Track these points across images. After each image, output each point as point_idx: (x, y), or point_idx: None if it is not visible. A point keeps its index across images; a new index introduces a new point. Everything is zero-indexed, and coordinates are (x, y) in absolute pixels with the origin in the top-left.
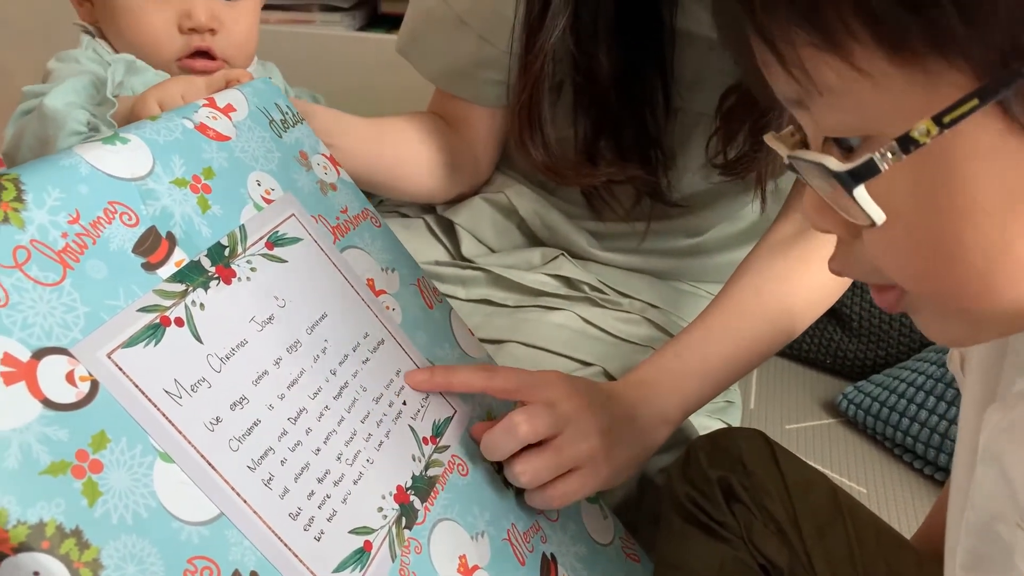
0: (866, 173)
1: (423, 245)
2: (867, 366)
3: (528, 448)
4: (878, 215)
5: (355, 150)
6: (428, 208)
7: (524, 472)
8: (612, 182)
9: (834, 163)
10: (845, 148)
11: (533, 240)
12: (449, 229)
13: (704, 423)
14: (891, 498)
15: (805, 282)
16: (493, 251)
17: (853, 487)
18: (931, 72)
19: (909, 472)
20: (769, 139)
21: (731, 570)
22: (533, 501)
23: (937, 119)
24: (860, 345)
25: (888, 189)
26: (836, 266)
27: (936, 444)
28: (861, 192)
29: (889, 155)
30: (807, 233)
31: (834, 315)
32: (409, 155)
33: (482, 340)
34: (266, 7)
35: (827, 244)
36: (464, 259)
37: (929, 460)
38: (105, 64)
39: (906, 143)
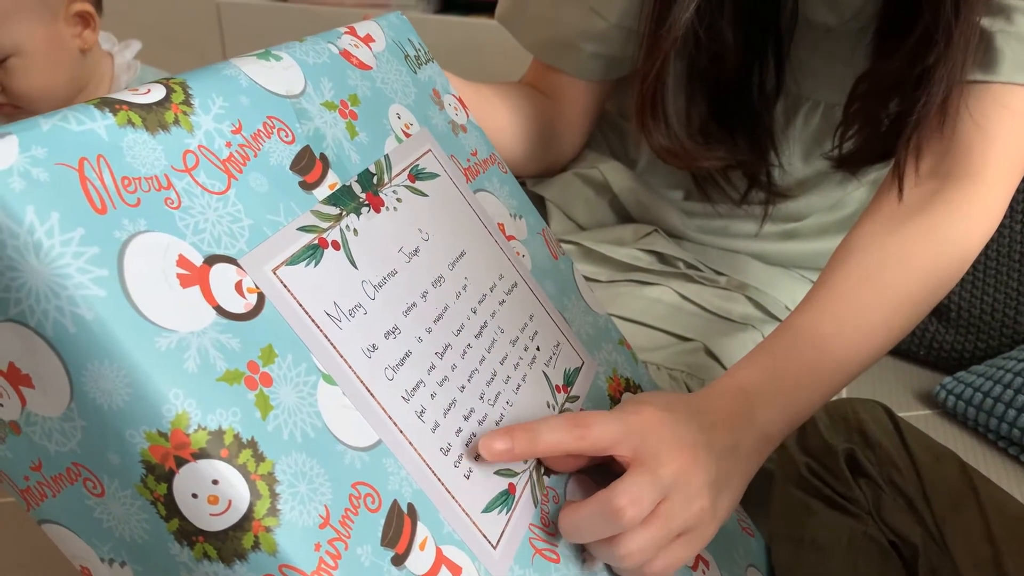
0: None
1: None
2: (964, 358)
3: None
4: None
5: None
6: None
7: (628, 555)
8: (728, 168)
9: None
10: None
11: (624, 218)
12: (538, 204)
13: None
14: None
15: (926, 263)
16: (582, 228)
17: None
18: None
19: (1015, 464)
20: None
21: (860, 545)
22: (628, 575)
23: None
24: (958, 336)
25: None
26: None
27: None
28: None
29: None
30: (923, 206)
31: None
32: (503, 123)
33: None
34: None
35: (947, 216)
36: None
37: None
38: None
39: None
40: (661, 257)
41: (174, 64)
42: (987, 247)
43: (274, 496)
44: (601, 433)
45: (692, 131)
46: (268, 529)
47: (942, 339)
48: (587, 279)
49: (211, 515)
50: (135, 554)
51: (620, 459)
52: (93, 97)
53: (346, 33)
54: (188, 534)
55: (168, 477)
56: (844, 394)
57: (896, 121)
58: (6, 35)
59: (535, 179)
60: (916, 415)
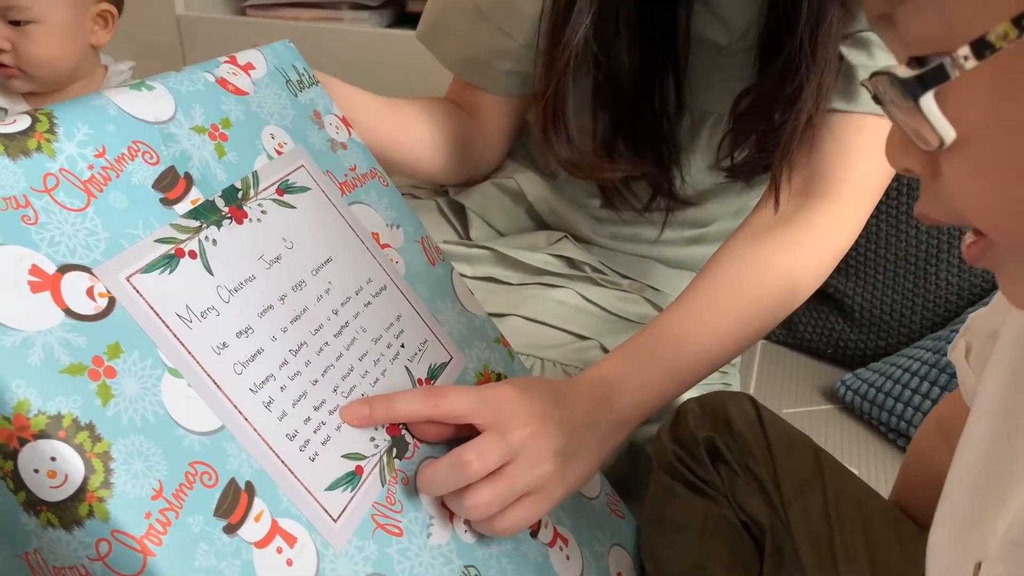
0: (933, 79)
1: (433, 226)
2: (867, 355)
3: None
4: (947, 131)
5: (367, 125)
6: (440, 191)
7: (475, 507)
8: (629, 178)
9: (903, 70)
10: None
11: (541, 225)
12: (460, 212)
13: None
14: (882, 479)
15: (783, 271)
16: (501, 235)
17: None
18: None
19: (901, 454)
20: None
21: (714, 526)
22: (480, 528)
23: (1017, 20)
24: (860, 335)
25: (963, 105)
26: (921, 209)
27: None
28: (929, 102)
29: (962, 59)
30: (787, 221)
31: (835, 305)
32: (420, 136)
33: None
34: (297, 5)
35: (805, 230)
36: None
37: None
38: None
39: (980, 47)
40: (570, 262)
41: (137, 74)
42: (886, 251)
43: (108, 471)
44: (455, 402)
45: (596, 145)
46: (101, 499)
47: (847, 337)
48: (500, 282)
49: (51, 487)
50: None
51: (477, 427)
52: (85, 91)
53: (225, 62)
54: (33, 504)
55: (13, 455)
56: (740, 387)
57: (775, 136)
58: (40, 2)
59: (456, 188)
60: (819, 410)
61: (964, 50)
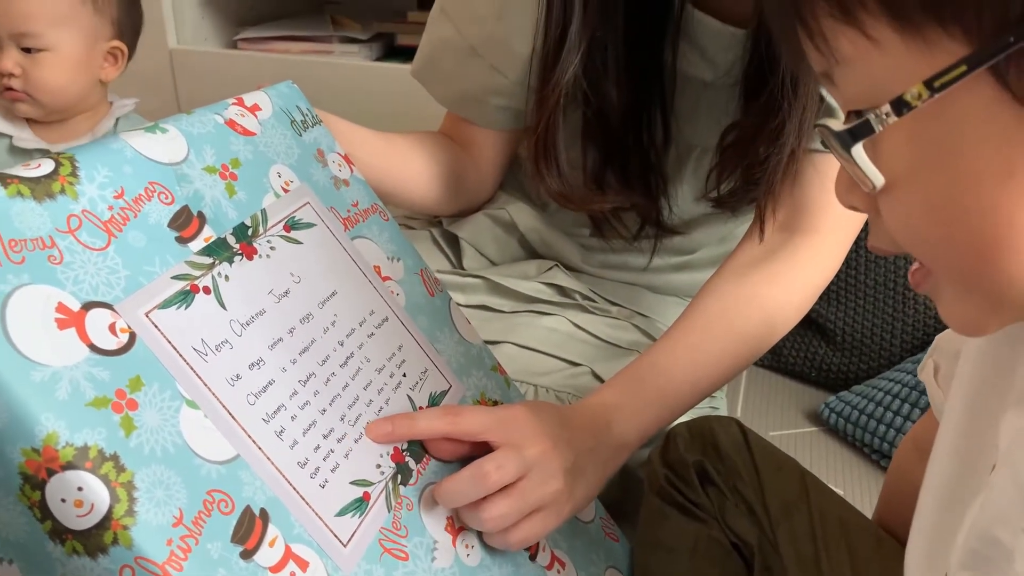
0: (861, 132)
1: (427, 255)
2: (849, 378)
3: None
4: (876, 177)
5: (365, 161)
6: (434, 221)
7: (491, 519)
8: (618, 209)
9: (836, 123)
10: None
11: (532, 254)
12: (453, 242)
13: None
14: (866, 499)
15: (768, 304)
16: (494, 264)
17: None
18: (929, 40)
19: (883, 474)
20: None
21: (704, 547)
22: (492, 541)
23: (928, 83)
24: (843, 358)
25: (889, 154)
26: (872, 242)
27: None
28: (859, 152)
29: (884, 116)
30: (772, 255)
31: (819, 329)
32: (416, 169)
33: None
34: (288, 38)
35: (790, 264)
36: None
37: None
38: None
39: (899, 105)
40: (561, 290)
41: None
42: (867, 277)
43: (132, 500)
44: (472, 420)
45: (586, 178)
46: (125, 527)
47: (830, 360)
48: (493, 310)
49: (77, 516)
50: (19, 552)
51: (492, 444)
52: (89, 122)
53: (234, 104)
54: (59, 533)
55: (41, 485)
56: (727, 411)
57: (760, 169)
58: (53, 32)
59: (450, 219)
60: (804, 432)
61: (886, 107)
